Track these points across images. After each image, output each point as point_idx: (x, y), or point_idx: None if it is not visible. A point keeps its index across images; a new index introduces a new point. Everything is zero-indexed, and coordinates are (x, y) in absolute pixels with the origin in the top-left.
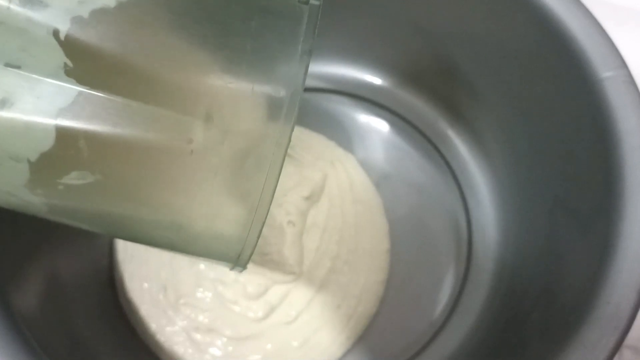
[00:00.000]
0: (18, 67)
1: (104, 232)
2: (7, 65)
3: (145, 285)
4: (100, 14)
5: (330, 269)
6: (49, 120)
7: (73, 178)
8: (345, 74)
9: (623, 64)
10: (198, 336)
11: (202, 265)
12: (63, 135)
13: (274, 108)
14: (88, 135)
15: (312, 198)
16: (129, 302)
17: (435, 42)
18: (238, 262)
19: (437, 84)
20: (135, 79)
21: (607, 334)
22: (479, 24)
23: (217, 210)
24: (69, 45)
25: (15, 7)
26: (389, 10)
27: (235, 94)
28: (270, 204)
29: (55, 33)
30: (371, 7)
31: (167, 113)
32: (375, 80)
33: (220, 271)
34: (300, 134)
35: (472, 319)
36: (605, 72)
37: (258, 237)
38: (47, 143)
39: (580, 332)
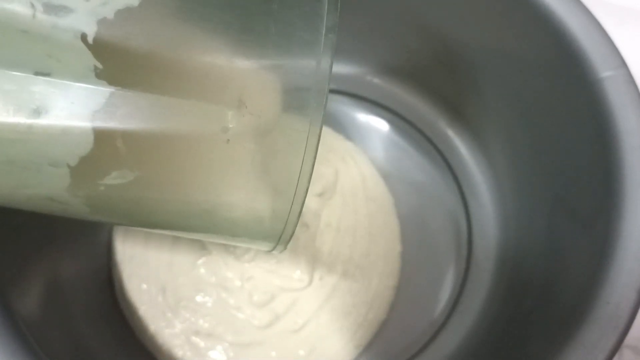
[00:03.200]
0: (48, 75)
1: (142, 225)
2: (37, 73)
3: (144, 286)
4: (125, 13)
5: (342, 274)
6: (85, 123)
7: (113, 178)
8: (345, 74)
9: (623, 64)
10: (198, 340)
11: (203, 270)
12: (101, 137)
13: (303, 87)
14: (125, 135)
15: (325, 195)
16: (127, 303)
17: (435, 42)
18: (280, 241)
19: (437, 83)
20: (165, 73)
21: (607, 334)
22: (478, 23)
23: (256, 194)
24: (97, 48)
25: (40, 15)
26: (389, 9)
27: (263, 77)
28: (309, 182)
29: (83, 37)
30: (371, 7)
31: (200, 104)
32: (375, 80)
33: (223, 277)
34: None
35: (472, 319)
36: (605, 72)
37: (299, 215)
38: (86, 146)
39: (580, 332)
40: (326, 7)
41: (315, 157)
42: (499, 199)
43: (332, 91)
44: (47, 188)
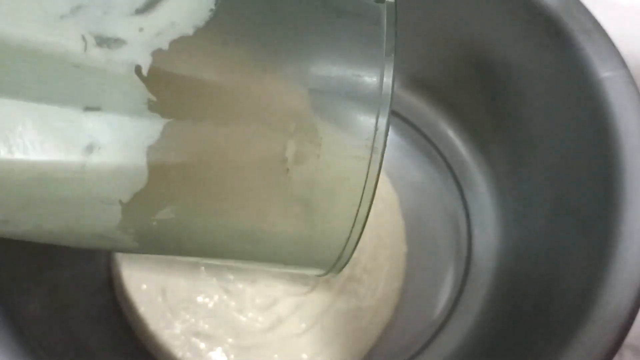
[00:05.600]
0: (98, 109)
1: (191, 256)
2: (87, 109)
3: (144, 286)
4: (180, 43)
5: (349, 277)
6: (139, 159)
7: (167, 213)
8: None
9: (623, 64)
10: (198, 341)
11: (204, 271)
12: (155, 172)
13: (364, 114)
14: (180, 168)
15: None
16: (127, 303)
17: (435, 42)
18: (334, 269)
19: (437, 84)
20: (221, 102)
21: (607, 334)
22: (477, 24)
23: (313, 223)
24: (152, 80)
25: (92, 49)
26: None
27: (323, 104)
28: (369, 211)
29: (138, 70)
30: None
31: (258, 132)
32: None
33: (224, 279)
34: None
35: (472, 319)
36: (605, 72)
37: (356, 245)
38: (140, 182)
39: (580, 332)
40: (384, 30)
41: (375, 187)
42: (499, 199)
43: None
44: (98, 226)
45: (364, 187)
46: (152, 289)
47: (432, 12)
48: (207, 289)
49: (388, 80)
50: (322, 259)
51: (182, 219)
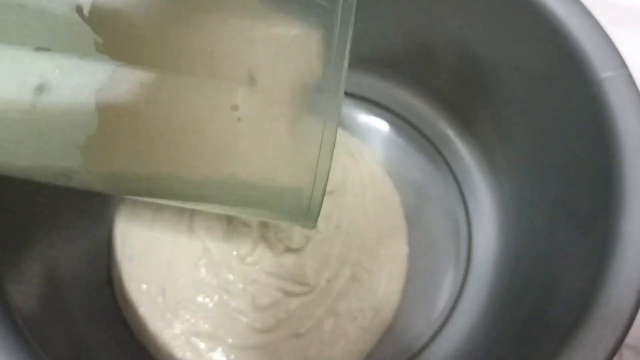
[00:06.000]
0: (48, 50)
1: (164, 199)
2: (37, 49)
3: (144, 286)
4: None
5: (350, 278)
6: (88, 101)
7: (123, 159)
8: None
9: (623, 64)
10: (198, 341)
11: (204, 271)
12: (105, 116)
13: (320, 55)
14: (129, 114)
15: (335, 193)
16: (127, 303)
17: (435, 42)
18: (308, 215)
19: (437, 84)
20: (169, 48)
21: (607, 334)
22: (478, 24)
23: (275, 171)
24: (94, 20)
25: None
26: (389, 12)
27: (275, 49)
28: (332, 152)
29: (79, 9)
30: (373, 10)
31: (206, 81)
32: (376, 80)
33: (225, 279)
34: None
35: (472, 319)
36: (605, 72)
37: (323, 192)
38: (92, 126)
39: (580, 332)
40: None
41: (336, 130)
42: (499, 199)
43: None
44: (63, 167)
45: (323, 127)
46: (152, 289)
47: (433, 13)
48: (207, 289)
49: (346, 25)
50: (294, 203)
51: (138, 166)
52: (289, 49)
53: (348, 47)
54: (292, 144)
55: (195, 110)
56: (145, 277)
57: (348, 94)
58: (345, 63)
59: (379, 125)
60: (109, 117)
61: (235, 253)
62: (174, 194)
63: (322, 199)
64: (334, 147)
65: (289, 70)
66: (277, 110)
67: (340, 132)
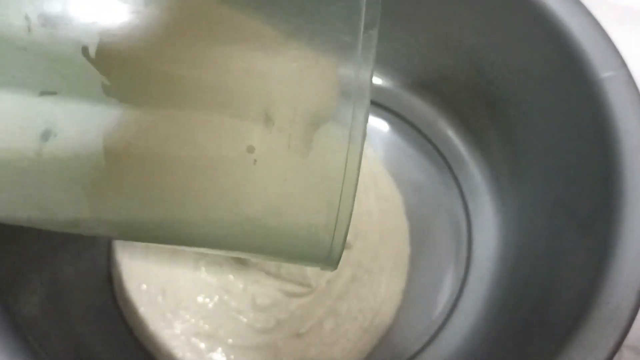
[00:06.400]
0: (54, 94)
1: (179, 245)
2: (42, 93)
3: (144, 286)
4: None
5: (351, 278)
6: (96, 146)
7: (131, 204)
8: None
9: (623, 64)
10: (198, 341)
11: (204, 271)
12: (113, 160)
13: (342, 94)
14: (138, 158)
15: None
16: (126, 303)
17: (435, 43)
18: (329, 259)
19: (437, 85)
20: (180, 87)
21: (607, 334)
22: (478, 25)
23: (293, 214)
24: (101, 62)
25: (36, 29)
26: (391, 15)
27: (292, 87)
28: (355, 191)
29: (84, 50)
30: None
31: (220, 120)
32: (376, 80)
33: (225, 280)
34: None
35: (472, 319)
36: (605, 72)
37: (346, 235)
38: (99, 170)
39: (580, 332)
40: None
41: (359, 169)
42: (499, 199)
43: None
44: (69, 215)
45: (344, 177)
46: (152, 289)
47: (433, 13)
48: (207, 289)
49: (367, 60)
50: (313, 248)
51: (148, 211)
52: (304, 83)
53: (370, 82)
54: (309, 181)
55: (209, 152)
56: (145, 277)
57: None
58: (367, 100)
59: (379, 125)
60: (117, 161)
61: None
62: (189, 240)
63: (344, 241)
64: (356, 188)
65: (306, 105)
66: (294, 147)
67: None
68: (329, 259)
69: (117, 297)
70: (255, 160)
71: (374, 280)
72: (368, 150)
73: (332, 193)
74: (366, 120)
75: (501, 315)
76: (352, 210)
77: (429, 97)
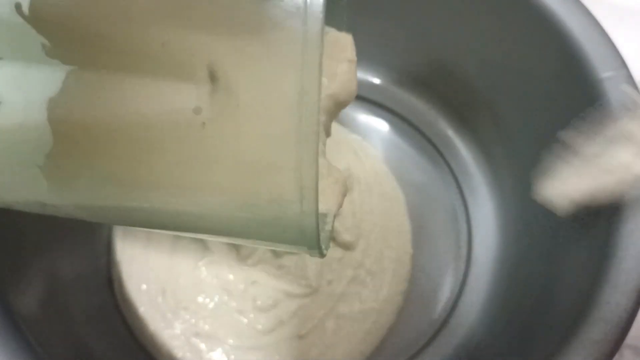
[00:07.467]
0: (0, 59)
1: (145, 227)
2: None
3: (144, 286)
4: None
5: (352, 279)
6: (39, 115)
7: (86, 178)
8: None
9: (623, 64)
10: (198, 341)
11: (204, 271)
12: (59, 130)
13: (288, 35)
14: (85, 126)
15: None
16: (127, 303)
17: (434, 42)
18: (304, 234)
19: (437, 84)
20: (121, 46)
21: (607, 334)
22: (478, 25)
23: (252, 178)
24: (37, 20)
25: None
26: (390, 13)
27: (238, 40)
28: (317, 148)
29: (18, 8)
30: (374, 10)
31: (164, 81)
32: (375, 80)
33: (225, 280)
34: None
35: (472, 319)
36: (605, 72)
37: (316, 200)
38: (47, 143)
39: (580, 332)
40: None
41: (318, 127)
42: (499, 198)
43: None
44: (32, 193)
45: (302, 120)
46: (152, 289)
47: (433, 13)
48: (207, 289)
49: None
50: (284, 218)
51: (108, 187)
52: (251, 43)
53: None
54: (267, 147)
55: (155, 115)
56: (145, 277)
57: None
58: (321, 41)
59: (379, 125)
60: (64, 131)
61: (236, 253)
62: (160, 221)
63: (317, 215)
64: (318, 139)
65: (255, 62)
66: (245, 111)
67: (342, 129)
68: (305, 234)
69: (117, 297)
70: (203, 123)
71: (376, 281)
72: (368, 149)
73: (291, 152)
74: (320, 57)
75: (501, 315)
76: (317, 171)
77: (430, 97)
